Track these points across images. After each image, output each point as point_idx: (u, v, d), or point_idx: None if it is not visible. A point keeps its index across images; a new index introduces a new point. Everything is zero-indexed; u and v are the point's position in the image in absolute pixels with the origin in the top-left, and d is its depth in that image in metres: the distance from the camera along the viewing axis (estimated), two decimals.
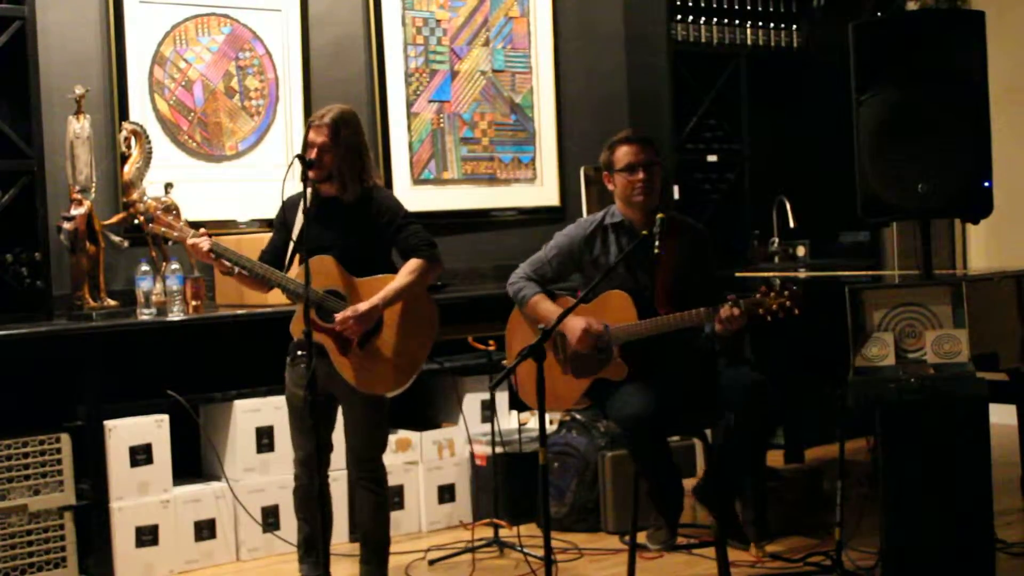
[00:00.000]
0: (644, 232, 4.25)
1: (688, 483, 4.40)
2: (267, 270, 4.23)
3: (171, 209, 5.25)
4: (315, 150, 4.25)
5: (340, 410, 4.44)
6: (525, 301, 4.44)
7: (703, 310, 4.14)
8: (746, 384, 4.19)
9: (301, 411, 4.25)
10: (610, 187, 4.44)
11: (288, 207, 4.40)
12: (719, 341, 4.29)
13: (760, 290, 4.10)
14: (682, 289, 4.30)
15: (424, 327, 4.42)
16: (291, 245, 4.32)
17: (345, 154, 4.28)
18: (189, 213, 5.34)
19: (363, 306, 4.23)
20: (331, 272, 4.28)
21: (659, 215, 4.26)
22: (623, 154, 4.37)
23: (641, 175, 4.33)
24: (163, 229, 4.23)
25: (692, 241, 4.44)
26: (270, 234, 4.51)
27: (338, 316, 4.23)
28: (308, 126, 4.33)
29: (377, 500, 4.43)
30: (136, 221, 5.21)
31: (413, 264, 4.35)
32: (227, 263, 4.24)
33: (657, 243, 4.19)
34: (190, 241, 4.20)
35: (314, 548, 4.33)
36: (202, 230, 4.23)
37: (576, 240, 4.46)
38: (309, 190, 4.13)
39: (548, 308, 4.36)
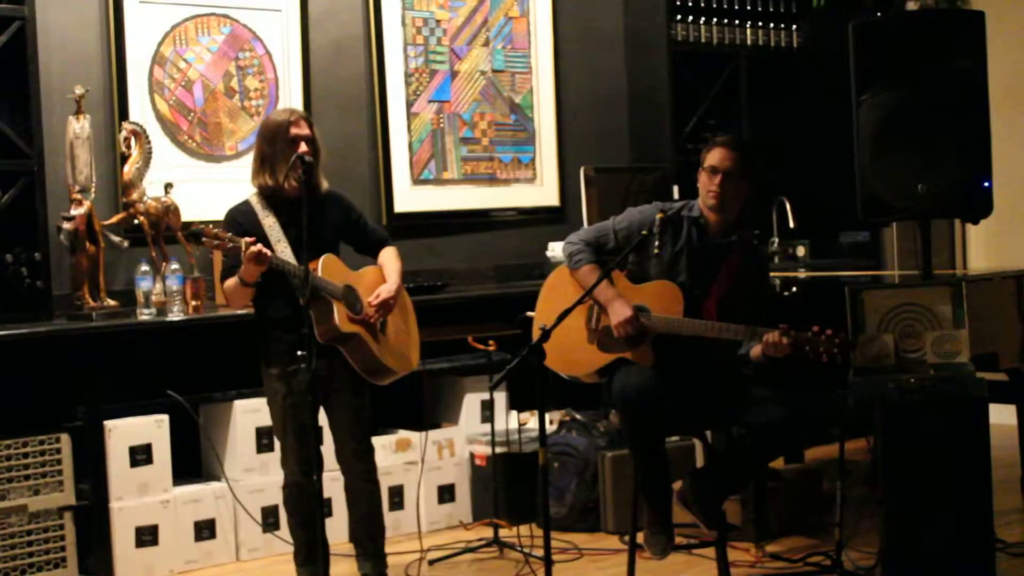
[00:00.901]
0: (644, 232, 4.25)
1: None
2: (306, 272, 4.20)
3: (171, 209, 5.25)
4: (302, 143, 4.27)
5: (332, 407, 4.46)
6: (579, 266, 4.38)
7: (751, 328, 4.13)
8: (775, 419, 4.14)
9: (300, 413, 4.26)
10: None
11: (239, 217, 4.36)
12: (751, 364, 4.26)
13: (813, 329, 4.07)
14: (732, 304, 4.28)
15: (410, 308, 4.64)
16: (280, 250, 4.29)
17: (318, 149, 4.36)
18: (189, 213, 5.34)
19: (392, 286, 4.44)
20: (341, 268, 4.38)
21: (659, 215, 4.25)
22: (711, 155, 4.32)
23: (718, 180, 4.27)
24: (216, 242, 4.14)
25: (757, 265, 4.43)
26: None
27: (372, 299, 4.37)
28: (286, 124, 4.31)
29: (376, 494, 4.50)
30: (136, 221, 5.21)
31: (394, 251, 4.59)
32: (274, 267, 4.21)
33: (657, 243, 4.18)
34: (253, 249, 4.11)
35: (314, 552, 4.32)
36: (248, 238, 4.17)
37: (649, 219, 4.38)
38: (302, 190, 4.14)
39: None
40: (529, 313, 4.64)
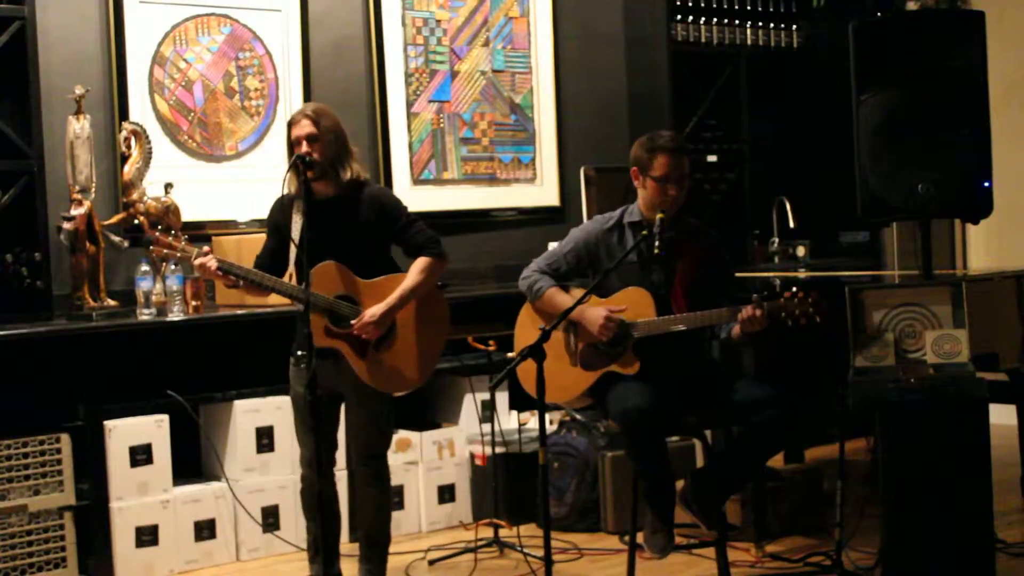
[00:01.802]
0: (644, 232, 4.25)
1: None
2: (276, 282, 4.18)
3: (171, 209, 5.25)
4: (303, 143, 4.21)
5: (344, 409, 4.43)
6: (540, 294, 4.41)
7: (725, 310, 4.16)
8: (775, 419, 4.15)
9: (304, 410, 4.25)
10: (636, 185, 4.37)
11: (279, 209, 4.38)
12: (735, 346, 4.27)
13: (785, 295, 4.09)
14: (699, 291, 4.29)
15: (437, 325, 4.44)
16: (291, 249, 4.28)
17: (330, 143, 4.24)
18: (189, 213, 5.35)
19: (379, 309, 4.24)
20: (340, 277, 4.27)
21: (659, 215, 4.25)
22: (662, 164, 4.28)
23: (674, 190, 4.28)
24: (165, 251, 4.18)
25: (707, 245, 4.43)
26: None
27: (355, 321, 4.23)
28: (289, 127, 4.29)
29: (381, 499, 4.43)
30: (136, 221, 5.23)
31: (423, 263, 4.35)
32: (233, 277, 4.21)
33: (657, 243, 4.19)
34: (196, 261, 4.13)
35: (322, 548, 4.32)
36: (205, 248, 4.18)
37: (593, 234, 4.43)
38: (306, 191, 4.13)
39: (564, 300, 4.33)
40: (510, 354, 4.66)
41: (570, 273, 4.46)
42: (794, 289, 4.11)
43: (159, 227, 4.79)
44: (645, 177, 4.33)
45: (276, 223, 4.36)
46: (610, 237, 4.41)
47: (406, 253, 4.44)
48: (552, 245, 4.77)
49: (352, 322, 4.23)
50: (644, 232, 4.25)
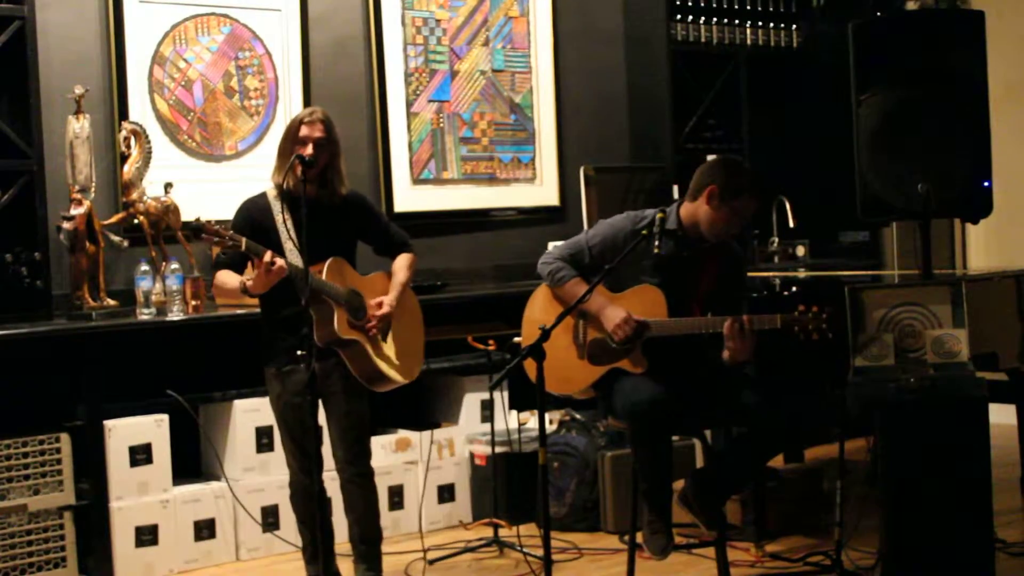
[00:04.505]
0: (644, 232, 4.24)
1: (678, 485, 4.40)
2: (306, 272, 4.16)
3: (171, 209, 5.26)
4: (311, 145, 4.23)
5: (327, 411, 4.43)
6: (563, 282, 4.36)
7: (730, 318, 4.15)
8: (775, 419, 4.16)
9: (298, 414, 4.25)
10: (702, 202, 4.26)
11: (254, 210, 4.34)
12: (734, 367, 4.27)
13: (800, 308, 4.08)
14: (715, 300, 4.28)
15: (417, 316, 4.62)
16: (287, 247, 4.27)
17: (332, 153, 4.30)
18: (189, 213, 5.34)
19: (391, 298, 4.40)
20: (347, 273, 4.34)
21: (659, 215, 4.24)
22: (748, 205, 4.25)
23: (738, 227, 4.30)
24: (215, 239, 4.09)
25: (731, 259, 4.41)
26: None
27: (371, 310, 4.34)
28: (298, 122, 4.30)
29: (371, 497, 4.45)
30: (136, 221, 5.22)
31: (408, 259, 4.55)
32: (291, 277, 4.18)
33: (657, 243, 4.17)
34: (278, 264, 4.05)
35: (318, 550, 4.32)
36: (269, 252, 4.10)
37: (622, 232, 4.35)
38: (302, 189, 4.12)
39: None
40: (516, 339, 4.65)
41: (592, 266, 4.36)
42: (813, 307, 4.09)
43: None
44: (722, 203, 4.23)
45: (256, 223, 4.29)
46: (663, 226, 4.24)
47: (383, 251, 4.58)
48: (552, 245, 4.76)
49: (371, 311, 4.34)
50: (644, 232, 4.24)
